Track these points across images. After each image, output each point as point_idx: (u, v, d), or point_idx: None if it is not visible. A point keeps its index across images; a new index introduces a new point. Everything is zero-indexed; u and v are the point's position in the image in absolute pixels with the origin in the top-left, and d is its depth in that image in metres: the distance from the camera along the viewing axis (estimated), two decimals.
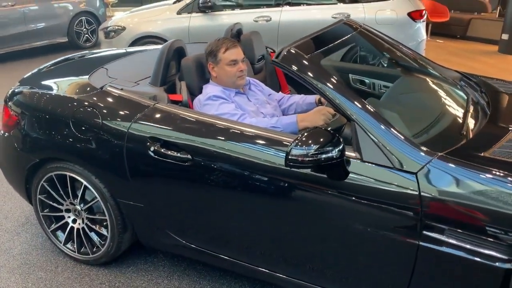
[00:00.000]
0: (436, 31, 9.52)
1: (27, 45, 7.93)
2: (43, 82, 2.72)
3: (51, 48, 8.11)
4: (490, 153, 1.83)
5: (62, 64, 3.07)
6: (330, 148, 1.69)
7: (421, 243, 1.70)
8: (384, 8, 5.39)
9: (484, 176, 1.65)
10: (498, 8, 10.11)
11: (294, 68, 1.92)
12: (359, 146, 1.80)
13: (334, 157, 1.70)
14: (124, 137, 2.18)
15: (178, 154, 2.07)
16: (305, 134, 1.73)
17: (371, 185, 1.76)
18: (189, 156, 2.05)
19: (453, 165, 1.70)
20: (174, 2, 5.99)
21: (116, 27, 5.86)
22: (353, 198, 1.79)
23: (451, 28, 9.61)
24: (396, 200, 1.72)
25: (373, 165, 1.76)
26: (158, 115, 2.18)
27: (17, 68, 7.18)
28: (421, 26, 5.43)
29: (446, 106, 2.28)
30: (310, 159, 1.69)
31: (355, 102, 1.84)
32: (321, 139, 1.71)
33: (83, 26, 8.55)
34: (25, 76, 2.92)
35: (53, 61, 3.14)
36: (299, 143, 1.70)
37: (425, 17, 5.48)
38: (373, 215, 1.77)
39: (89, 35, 8.65)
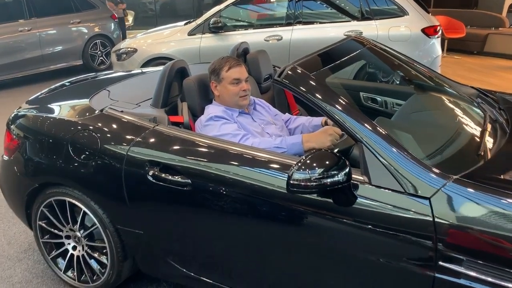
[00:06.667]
0: (453, 47, 9.39)
1: (43, 68, 8.03)
2: (46, 105, 2.68)
3: (66, 71, 8.19)
4: (511, 175, 1.68)
5: (65, 88, 3.04)
6: (336, 172, 1.57)
7: (437, 274, 1.55)
8: (397, 25, 5.27)
9: (506, 201, 1.51)
10: None
11: (297, 86, 1.82)
12: (367, 169, 1.67)
13: (340, 181, 1.58)
14: (123, 160, 2.09)
15: (177, 179, 1.97)
16: (308, 156, 1.61)
17: (381, 211, 1.62)
18: (188, 181, 1.95)
19: (470, 189, 1.56)
20: (186, 24, 6.00)
21: (128, 49, 5.87)
22: (362, 225, 1.65)
23: (468, 44, 9.46)
24: (408, 228, 1.58)
25: (383, 190, 1.63)
26: (157, 138, 2.09)
27: (32, 91, 7.23)
28: (435, 42, 5.30)
29: (462, 124, 2.14)
30: (314, 183, 1.57)
31: (362, 122, 1.72)
32: (326, 162, 1.59)
33: (98, 49, 8.66)
34: (29, 99, 2.89)
35: (55, 85, 3.10)
36: (302, 167, 1.58)
37: (439, 33, 5.35)
38: (384, 244, 1.63)
39: (103, 57, 8.74)
